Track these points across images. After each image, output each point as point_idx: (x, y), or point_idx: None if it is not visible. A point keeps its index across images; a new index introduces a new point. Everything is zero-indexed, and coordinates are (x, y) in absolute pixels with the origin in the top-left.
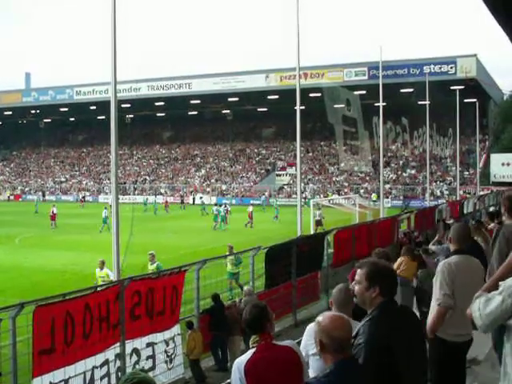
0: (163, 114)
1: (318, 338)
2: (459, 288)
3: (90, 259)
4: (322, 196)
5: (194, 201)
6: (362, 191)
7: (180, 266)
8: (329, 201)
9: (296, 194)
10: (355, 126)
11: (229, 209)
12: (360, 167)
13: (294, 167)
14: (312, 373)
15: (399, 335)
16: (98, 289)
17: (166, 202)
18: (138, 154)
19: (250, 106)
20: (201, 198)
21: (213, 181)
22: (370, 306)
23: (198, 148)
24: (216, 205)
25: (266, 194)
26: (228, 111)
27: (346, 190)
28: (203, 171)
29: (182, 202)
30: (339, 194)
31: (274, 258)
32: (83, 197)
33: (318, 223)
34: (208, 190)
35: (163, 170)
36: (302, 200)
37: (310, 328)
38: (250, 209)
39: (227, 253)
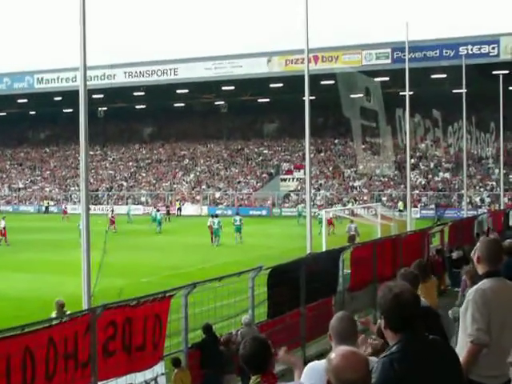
0: (143, 107)
1: (327, 378)
2: (495, 320)
3: (54, 283)
4: (335, 205)
5: (180, 211)
6: (384, 199)
7: (164, 290)
8: (344, 211)
9: (305, 202)
10: (376, 120)
11: (237, 222)
12: (382, 170)
13: (302, 170)
14: None
15: (422, 378)
16: (64, 319)
17: (165, 209)
18: (112, 155)
19: (249, 96)
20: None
21: (204, 187)
22: (389, 341)
23: (186, 147)
24: (213, 216)
25: (269, 202)
26: (222, 103)
27: (365, 198)
28: (192, 175)
29: (168, 213)
30: (357, 203)
31: (279, 281)
32: (65, 207)
33: (352, 239)
34: (198, 198)
35: (143, 175)
36: (313, 211)
37: (309, 368)
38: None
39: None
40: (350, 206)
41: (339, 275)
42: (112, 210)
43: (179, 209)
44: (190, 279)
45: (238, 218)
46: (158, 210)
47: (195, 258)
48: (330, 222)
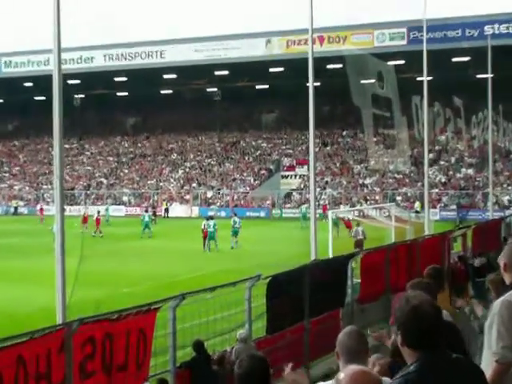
0: (126, 94)
1: None
2: None
3: (23, 294)
4: (343, 206)
5: (167, 212)
6: (399, 199)
7: (149, 302)
8: (353, 212)
9: (309, 202)
10: (390, 108)
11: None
12: (397, 166)
13: (305, 166)
14: None
15: None
16: (36, 335)
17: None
18: (91, 149)
19: (246, 82)
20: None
21: (194, 185)
22: (407, 359)
23: (174, 140)
24: (208, 218)
25: (268, 202)
26: (215, 90)
27: (377, 198)
28: (181, 172)
29: (154, 215)
30: (368, 203)
31: (280, 291)
32: (41, 208)
33: (359, 244)
34: (187, 197)
35: (126, 171)
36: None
37: None
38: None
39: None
40: (359, 206)
41: (348, 285)
42: (98, 211)
43: (166, 210)
44: (179, 290)
45: (237, 219)
46: (147, 211)
47: (185, 265)
48: (348, 225)
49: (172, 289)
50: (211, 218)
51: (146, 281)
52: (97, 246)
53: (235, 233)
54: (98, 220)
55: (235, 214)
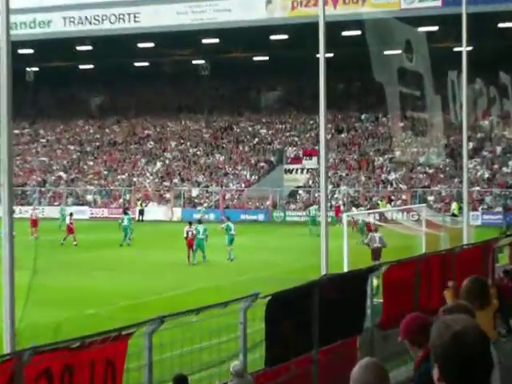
0: (91, 67)
1: None
2: None
3: None
4: (362, 207)
5: (142, 215)
6: (431, 199)
7: (120, 327)
8: (375, 215)
9: (319, 203)
10: (420, 86)
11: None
12: (428, 158)
13: (314, 158)
14: None
15: None
16: None
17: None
18: (47, 136)
19: (240, 52)
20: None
21: (176, 181)
22: None
23: (151, 125)
24: (195, 223)
25: (268, 203)
26: (202, 62)
27: (403, 197)
28: (159, 165)
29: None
30: (392, 204)
31: (282, 314)
32: None
33: (377, 254)
34: (168, 196)
35: (91, 163)
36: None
37: None
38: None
39: None
40: (382, 208)
41: (367, 306)
42: (71, 214)
43: (141, 211)
44: (157, 311)
45: (232, 225)
46: (126, 212)
47: (165, 281)
48: (368, 229)
49: (148, 310)
50: (199, 222)
51: (117, 300)
52: (56, 257)
53: (231, 241)
54: (70, 225)
55: (228, 219)
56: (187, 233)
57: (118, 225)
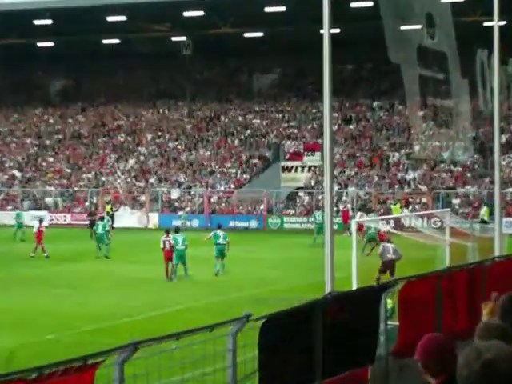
0: (51, 45)
1: None
2: None
3: None
4: (374, 212)
5: (112, 221)
6: (456, 202)
7: (85, 355)
8: (389, 221)
9: (323, 207)
10: (444, 68)
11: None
12: (454, 153)
13: (318, 153)
14: None
15: None
16: None
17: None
18: None
19: (229, 28)
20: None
21: (152, 180)
22: None
23: (123, 114)
24: (171, 232)
25: (262, 207)
26: (183, 39)
27: (423, 200)
28: (132, 161)
29: (92, 224)
30: (410, 208)
31: (278, 339)
32: None
33: (389, 267)
34: (142, 198)
35: (51, 160)
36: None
37: None
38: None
39: None
40: (398, 212)
41: (379, 330)
42: (41, 220)
43: (111, 216)
44: (130, 336)
45: (221, 233)
46: (102, 218)
47: (139, 300)
48: (381, 238)
49: (119, 335)
50: (177, 230)
51: (82, 323)
52: (11, 271)
53: (221, 252)
54: (39, 233)
55: (219, 227)
56: (164, 243)
57: (90, 234)
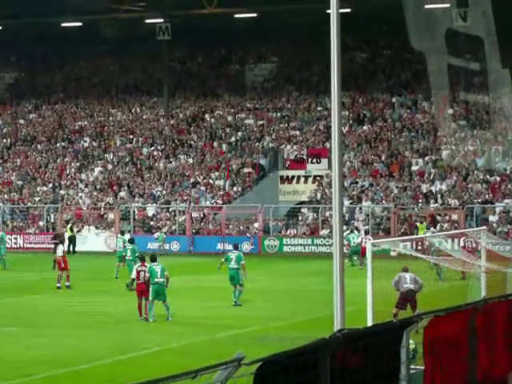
0: None
1: None
2: None
3: None
4: (394, 232)
5: (73, 244)
6: (494, 219)
7: None
8: (411, 243)
9: (331, 227)
10: (479, 56)
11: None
12: (490, 160)
13: (324, 160)
14: None
15: None
16: None
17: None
18: None
19: (215, 8)
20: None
21: (123, 194)
22: None
23: (86, 114)
24: (143, 259)
25: (257, 226)
26: (161, 21)
27: (453, 217)
28: (98, 171)
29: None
30: (438, 227)
31: None
32: None
33: (408, 299)
34: (110, 216)
35: None
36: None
37: None
38: None
39: None
40: (422, 233)
41: (400, 375)
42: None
43: (71, 239)
44: (97, 383)
45: (233, 255)
46: (61, 241)
47: (106, 340)
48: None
49: (84, 381)
50: (154, 258)
51: (38, 368)
52: None
53: (232, 279)
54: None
55: (236, 248)
56: (138, 274)
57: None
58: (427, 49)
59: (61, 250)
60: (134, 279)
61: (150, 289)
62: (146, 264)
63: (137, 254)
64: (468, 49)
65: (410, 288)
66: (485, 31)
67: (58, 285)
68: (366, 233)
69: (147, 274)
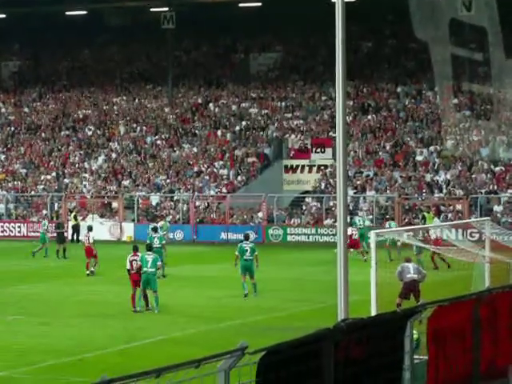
0: (2, 17)
1: None
2: None
3: None
4: (399, 220)
5: (77, 233)
6: (498, 209)
7: None
8: (415, 232)
9: (335, 216)
10: (483, 46)
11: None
12: (495, 150)
13: (329, 150)
14: None
15: None
16: None
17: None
18: None
19: None
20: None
21: (127, 183)
22: None
23: (90, 102)
24: (137, 249)
25: (261, 216)
26: (165, 10)
27: (457, 207)
28: (101, 159)
29: (62, 239)
30: (442, 217)
31: (280, 377)
32: None
33: (411, 290)
34: (114, 204)
35: (1, 157)
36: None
37: None
38: None
39: None
40: (429, 222)
41: (404, 365)
42: (90, 228)
43: (75, 228)
44: (100, 372)
45: (247, 245)
46: (90, 229)
47: (110, 329)
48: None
49: (87, 371)
50: (150, 247)
51: (43, 356)
52: None
53: (246, 269)
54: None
55: (246, 238)
56: (131, 264)
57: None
58: (430, 39)
59: (91, 237)
60: (128, 270)
61: (141, 278)
62: (138, 254)
63: (164, 242)
64: (472, 39)
65: (414, 278)
66: (489, 21)
67: (88, 272)
68: (351, 224)
69: (139, 263)
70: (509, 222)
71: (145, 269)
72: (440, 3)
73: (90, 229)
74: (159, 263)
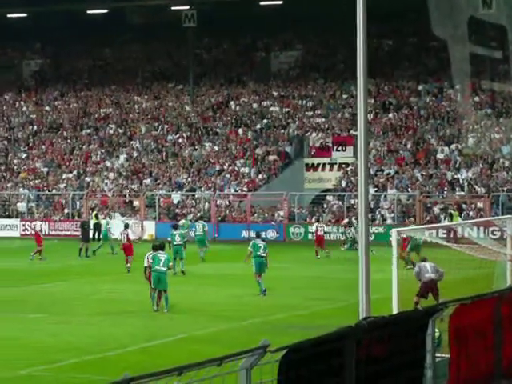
0: (23, 16)
1: None
2: None
3: None
4: (421, 218)
5: (98, 231)
6: None
7: None
8: (436, 231)
9: (356, 215)
10: (503, 45)
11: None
12: None
13: (350, 148)
14: None
15: None
16: None
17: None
18: None
19: None
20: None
21: (148, 181)
22: None
23: (111, 100)
24: (157, 248)
25: (282, 214)
26: (186, 8)
27: (479, 205)
28: (123, 158)
29: (86, 237)
30: (463, 215)
31: (302, 377)
32: None
33: (429, 289)
34: (135, 203)
35: (23, 156)
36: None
37: None
38: None
39: None
40: (456, 221)
41: (426, 363)
42: (126, 225)
43: (97, 226)
44: (122, 370)
45: (261, 243)
46: (127, 227)
47: (131, 327)
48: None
49: (108, 370)
50: (162, 246)
51: (64, 355)
52: None
53: (261, 267)
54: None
55: (258, 236)
56: (148, 262)
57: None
58: (450, 37)
59: (130, 234)
60: (146, 267)
61: (152, 276)
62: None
63: (185, 239)
64: (492, 37)
65: (432, 277)
66: (508, 20)
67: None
68: (318, 220)
69: (151, 261)
70: None
71: (156, 267)
72: (459, 1)
73: (126, 226)
74: (171, 264)
